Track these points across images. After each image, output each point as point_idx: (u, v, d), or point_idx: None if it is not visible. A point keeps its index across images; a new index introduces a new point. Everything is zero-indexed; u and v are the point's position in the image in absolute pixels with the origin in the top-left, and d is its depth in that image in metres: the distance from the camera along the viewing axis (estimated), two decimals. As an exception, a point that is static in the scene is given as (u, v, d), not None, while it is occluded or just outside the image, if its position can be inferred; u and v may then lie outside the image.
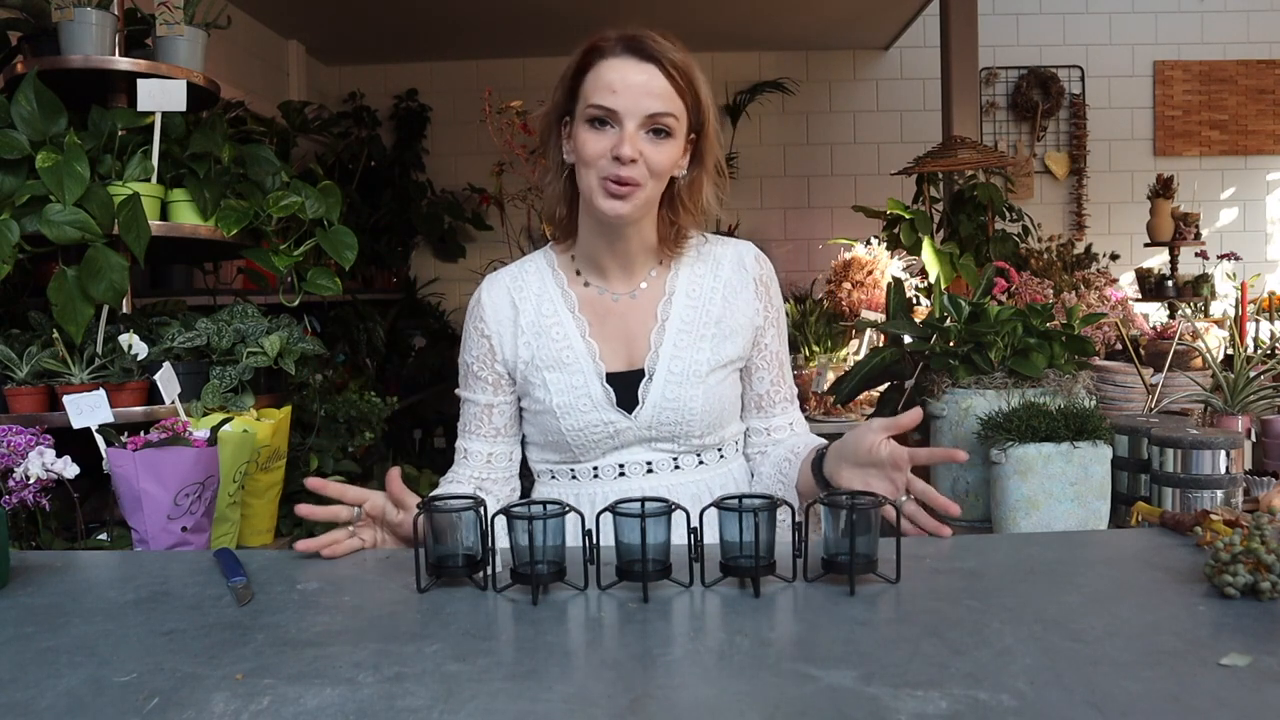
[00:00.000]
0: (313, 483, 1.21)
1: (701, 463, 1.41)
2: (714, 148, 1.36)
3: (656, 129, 1.26)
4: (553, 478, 1.43)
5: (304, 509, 1.21)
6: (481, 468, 1.43)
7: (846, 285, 4.08)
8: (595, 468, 1.39)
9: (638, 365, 1.37)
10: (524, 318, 1.38)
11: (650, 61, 1.26)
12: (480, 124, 4.12)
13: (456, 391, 1.47)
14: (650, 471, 1.39)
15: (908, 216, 3.70)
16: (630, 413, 1.35)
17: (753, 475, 1.48)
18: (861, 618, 0.94)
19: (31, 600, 1.06)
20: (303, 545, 1.17)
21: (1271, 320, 3.61)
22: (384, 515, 1.23)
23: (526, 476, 1.51)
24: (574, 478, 1.41)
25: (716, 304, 1.40)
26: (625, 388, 1.36)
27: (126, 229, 1.85)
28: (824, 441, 1.36)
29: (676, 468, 1.40)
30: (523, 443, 1.48)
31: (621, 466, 1.39)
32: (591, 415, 1.35)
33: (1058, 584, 1.04)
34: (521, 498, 1.48)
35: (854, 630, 0.91)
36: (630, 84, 1.24)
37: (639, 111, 1.25)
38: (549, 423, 1.37)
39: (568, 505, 1.04)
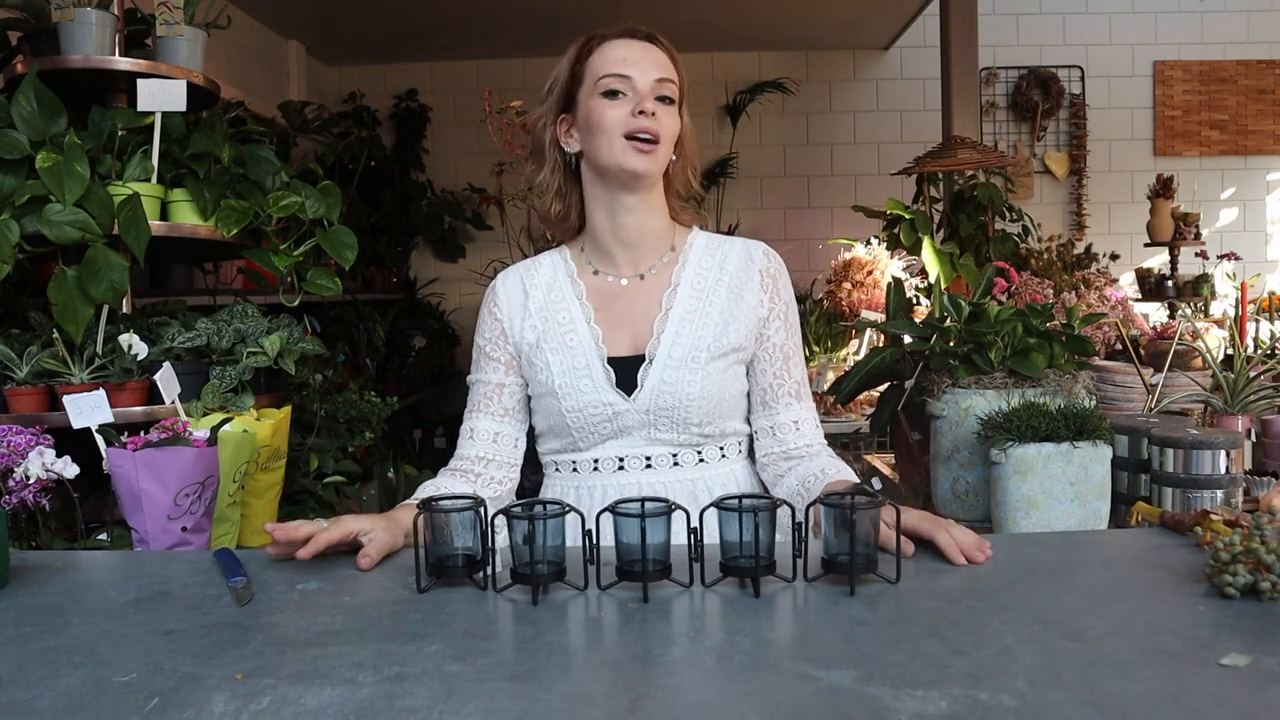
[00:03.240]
0: (270, 527, 1.17)
1: (701, 460, 1.42)
2: (686, 123, 1.46)
3: (663, 96, 1.37)
4: (556, 470, 1.47)
5: (270, 526, 1.19)
6: (488, 446, 1.45)
7: (846, 285, 4.09)
8: (596, 461, 1.41)
9: (640, 351, 1.41)
10: (533, 301, 1.45)
11: (649, 40, 1.40)
12: (480, 124, 4.12)
13: (468, 379, 1.50)
14: (649, 467, 1.40)
15: (908, 216, 3.70)
16: (629, 395, 1.38)
17: (769, 490, 1.45)
18: (861, 618, 0.94)
19: (31, 600, 1.06)
20: (271, 527, 1.16)
21: (1271, 320, 3.61)
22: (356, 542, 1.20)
23: (534, 474, 1.52)
24: (575, 470, 1.44)
25: (721, 295, 1.43)
26: (626, 371, 1.40)
27: (126, 229, 1.85)
28: (853, 479, 1.33)
29: (676, 464, 1.41)
30: (531, 436, 1.51)
31: (621, 460, 1.40)
32: (591, 396, 1.38)
33: (1058, 584, 1.04)
34: (529, 495, 1.49)
35: (854, 630, 0.91)
36: (638, 57, 1.37)
37: (650, 77, 1.36)
38: (551, 405, 1.41)
39: (568, 505, 1.04)
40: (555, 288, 1.45)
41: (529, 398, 1.47)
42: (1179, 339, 2.28)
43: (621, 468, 1.41)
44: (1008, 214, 3.85)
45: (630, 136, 1.34)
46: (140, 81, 1.95)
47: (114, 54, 2.04)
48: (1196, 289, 4.60)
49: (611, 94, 1.35)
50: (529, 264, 1.50)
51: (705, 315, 1.41)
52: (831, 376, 3.46)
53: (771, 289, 1.45)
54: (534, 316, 1.43)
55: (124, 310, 2.06)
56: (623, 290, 1.44)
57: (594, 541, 1.05)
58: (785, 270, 1.49)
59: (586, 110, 1.37)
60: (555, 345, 1.41)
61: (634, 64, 1.36)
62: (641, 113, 1.34)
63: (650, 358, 1.39)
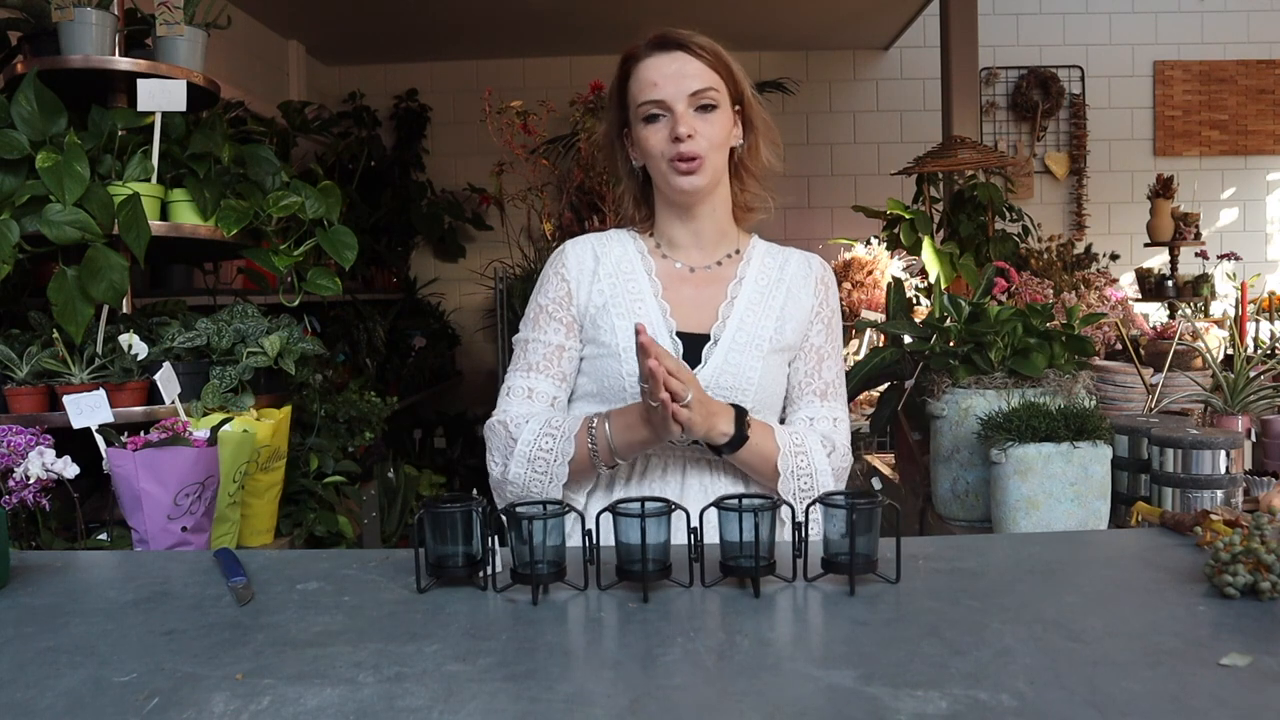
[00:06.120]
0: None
1: None
2: (760, 113, 1.47)
3: (702, 105, 1.38)
4: None
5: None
6: (547, 410, 1.42)
7: (846, 285, 4.08)
8: None
9: (704, 331, 1.43)
10: (603, 267, 1.47)
11: (677, 49, 1.39)
12: (480, 124, 4.12)
13: (517, 336, 1.48)
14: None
15: (908, 216, 3.69)
16: (692, 370, 1.36)
17: None
18: (861, 618, 0.94)
19: (31, 600, 1.06)
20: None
21: (1271, 320, 3.61)
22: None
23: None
24: None
25: (781, 293, 1.47)
26: (690, 348, 1.41)
27: (126, 229, 1.85)
28: (814, 442, 1.42)
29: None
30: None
31: None
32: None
33: (1058, 584, 1.04)
34: None
35: (854, 630, 0.91)
36: (667, 73, 1.38)
37: (682, 94, 1.37)
38: (609, 366, 1.40)
39: (568, 505, 1.04)
40: (626, 260, 1.48)
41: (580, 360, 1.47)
42: (1179, 339, 2.28)
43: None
44: (1008, 214, 3.85)
45: (673, 159, 1.38)
46: (140, 81, 1.95)
47: (114, 54, 2.04)
48: (1196, 289, 4.60)
49: (651, 118, 1.39)
50: (600, 235, 1.52)
51: (767, 310, 1.45)
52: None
53: (823, 296, 1.50)
54: (603, 281, 1.45)
55: (124, 310, 2.07)
56: (690, 276, 1.48)
57: (594, 541, 1.05)
58: (834, 281, 1.54)
59: (635, 134, 1.43)
60: (623, 311, 1.42)
61: (664, 84, 1.37)
62: (677, 139, 1.36)
63: (716, 338, 1.42)
